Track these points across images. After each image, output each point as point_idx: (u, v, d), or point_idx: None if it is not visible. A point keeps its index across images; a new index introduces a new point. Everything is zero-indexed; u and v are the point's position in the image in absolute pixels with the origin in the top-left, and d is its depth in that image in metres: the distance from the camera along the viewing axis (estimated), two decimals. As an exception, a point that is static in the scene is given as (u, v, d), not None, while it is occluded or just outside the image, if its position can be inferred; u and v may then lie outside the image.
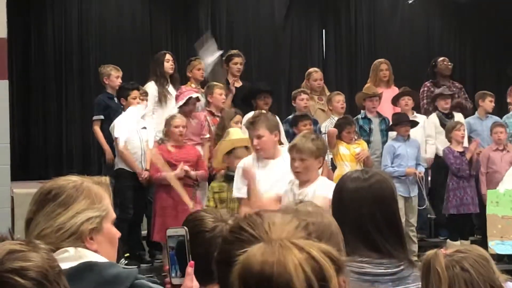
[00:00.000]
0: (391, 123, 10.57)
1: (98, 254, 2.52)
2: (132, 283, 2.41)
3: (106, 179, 2.81)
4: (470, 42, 15.13)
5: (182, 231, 2.73)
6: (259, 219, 1.73)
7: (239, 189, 6.86)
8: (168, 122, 9.07)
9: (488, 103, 11.17)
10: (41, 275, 1.82)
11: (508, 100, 11.46)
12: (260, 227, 1.70)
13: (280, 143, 7.97)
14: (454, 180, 10.36)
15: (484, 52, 14.88)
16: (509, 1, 14.23)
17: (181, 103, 9.54)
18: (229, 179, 7.36)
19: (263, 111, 8.11)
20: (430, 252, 2.78)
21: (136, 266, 8.88)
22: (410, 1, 12.27)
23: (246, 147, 7.37)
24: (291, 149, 6.08)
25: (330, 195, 5.14)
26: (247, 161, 6.92)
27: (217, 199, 7.42)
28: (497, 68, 14.29)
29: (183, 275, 2.71)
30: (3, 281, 1.75)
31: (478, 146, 10.52)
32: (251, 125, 6.91)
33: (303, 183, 5.96)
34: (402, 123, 10.21)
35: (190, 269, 2.69)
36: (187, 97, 9.52)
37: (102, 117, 10.01)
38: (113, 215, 2.66)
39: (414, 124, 10.37)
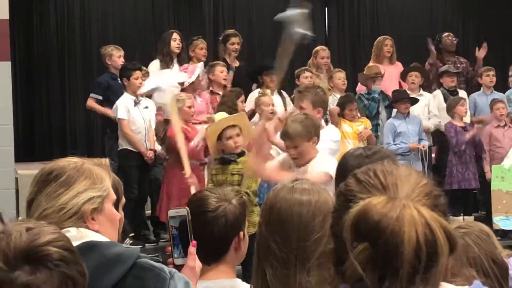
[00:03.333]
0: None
1: (100, 234, 2.53)
2: (134, 262, 2.41)
3: (106, 161, 2.82)
4: (474, 18, 15.08)
5: (183, 211, 2.74)
6: (395, 171, 1.72)
7: None
8: (180, 102, 8.99)
9: (486, 78, 11.13)
10: (68, 244, 1.87)
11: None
12: (392, 180, 1.68)
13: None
14: (456, 155, 10.36)
15: (488, 28, 14.82)
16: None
17: (191, 79, 9.55)
18: (224, 162, 7.31)
19: (316, 86, 7.98)
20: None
21: (141, 246, 8.95)
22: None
23: (234, 126, 7.29)
24: (283, 137, 6.03)
25: (329, 169, 5.19)
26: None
27: (215, 182, 7.39)
28: (501, 44, 14.23)
29: (185, 255, 2.72)
30: (44, 254, 1.79)
31: (481, 130, 10.50)
32: (298, 93, 6.95)
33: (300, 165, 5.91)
34: (401, 100, 10.20)
35: (192, 249, 2.70)
36: (198, 73, 9.56)
37: (100, 97, 10.02)
38: (113, 196, 2.67)
39: (414, 101, 10.35)
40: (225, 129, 7.24)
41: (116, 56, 10.25)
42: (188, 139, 8.60)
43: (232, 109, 8.62)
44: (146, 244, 9.36)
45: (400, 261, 1.56)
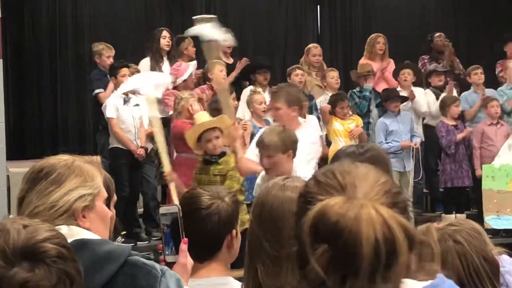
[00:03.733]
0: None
1: (91, 231, 2.53)
2: (125, 259, 2.41)
3: (97, 158, 2.82)
4: (465, 16, 15.09)
5: (175, 208, 2.74)
6: (354, 171, 1.71)
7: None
8: (183, 99, 8.95)
9: (474, 76, 11.15)
10: (64, 242, 1.88)
11: (498, 72, 11.45)
12: (350, 180, 1.68)
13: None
14: (449, 153, 10.38)
15: (479, 27, 14.84)
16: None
17: (184, 77, 9.57)
18: (206, 163, 7.27)
19: (289, 84, 7.95)
20: (423, 226, 2.79)
21: (133, 244, 8.95)
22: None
23: (214, 128, 7.15)
24: (258, 145, 5.99)
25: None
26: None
27: (199, 180, 7.34)
28: (492, 42, 14.25)
29: (177, 252, 2.72)
30: (42, 250, 1.80)
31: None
32: (273, 94, 6.89)
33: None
34: (391, 98, 10.22)
35: (184, 246, 2.70)
36: (190, 73, 9.57)
37: (103, 90, 10.02)
38: (104, 193, 2.66)
39: (404, 99, 10.38)
40: (205, 131, 7.15)
41: (105, 55, 10.28)
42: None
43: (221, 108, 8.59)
44: (138, 242, 9.35)
45: (360, 261, 1.55)
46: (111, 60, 10.23)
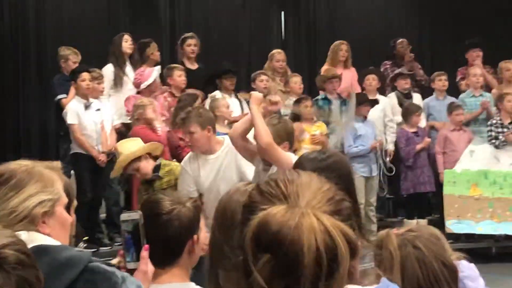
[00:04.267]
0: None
1: (51, 237, 2.51)
2: (86, 265, 2.40)
3: (57, 164, 2.80)
4: (429, 23, 15.19)
5: (136, 215, 2.73)
6: (297, 179, 1.70)
7: (180, 191, 6.62)
8: (141, 106, 8.93)
9: (438, 82, 11.25)
10: (24, 248, 1.87)
11: (465, 81, 11.53)
12: (293, 188, 1.67)
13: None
14: (410, 159, 10.45)
15: (442, 33, 14.96)
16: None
17: (148, 82, 9.55)
18: (148, 183, 7.08)
19: (196, 107, 7.91)
20: (382, 232, 2.80)
21: (95, 250, 8.90)
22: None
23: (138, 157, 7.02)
24: (254, 138, 5.94)
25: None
26: (188, 157, 6.85)
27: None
28: (455, 48, 14.37)
29: (138, 259, 2.71)
30: (1, 257, 1.80)
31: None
32: (182, 121, 6.74)
33: (268, 162, 5.69)
34: (362, 103, 10.28)
35: (144, 253, 2.69)
36: (154, 78, 9.55)
37: (65, 95, 9.95)
38: (65, 199, 2.65)
39: (374, 103, 10.45)
40: (130, 162, 7.01)
41: (72, 61, 10.26)
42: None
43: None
44: (100, 248, 9.31)
45: (301, 270, 1.55)
46: (77, 65, 10.17)
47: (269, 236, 1.57)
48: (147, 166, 6.99)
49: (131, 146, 7.11)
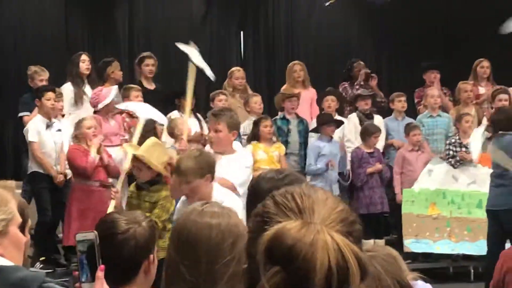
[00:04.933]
0: (309, 124, 10.71)
1: (4, 258, 2.48)
2: (39, 286, 2.37)
3: (12, 183, 2.77)
4: (387, 43, 15.33)
5: (91, 235, 2.70)
6: (313, 195, 1.70)
7: None
8: (79, 124, 8.94)
9: (397, 103, 11.33)
10: None
11: (423, 102, 11.62)
12: (309, 204, 1.67)
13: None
14: (357, 180, 10.50)
15: (400, 54, 15.10)
16: (425, 3, 14.50)
17: (106, 102, 9.49)
18: (138, 188, 7.15)
19: (229, 109, 7.97)
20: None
21: (51, 270, 8.82)
22: (327, 4, 12.38)
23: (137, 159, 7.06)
24: (175, 171, 5.96)
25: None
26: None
27: (129, 204, 7.26)
28: (412, 70, 14.51)
29: (93, 279, 2.68)
30: None
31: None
32: (214, 116, 6.86)
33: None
34: (327, 123, 10.31)
35: (100, 273, 2.66)
36: (112, 97, 9.50)
37: (28, 113, 9.88)
38: (19, 219, 2.62)
39: (340, 123, 10.49)
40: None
41: (37, 79, 10.19)
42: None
43: (149, 134, 8.51)
44: (57, 268, 9.22)
45: (311, 286, 1.55)
46: (44, 83, 10.12)
47: (283, 250, 1.57)
48: (147, 174, 7.02)
49: (159, 157, 7.10)
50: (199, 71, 9.11)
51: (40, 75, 10.21)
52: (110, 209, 6.95)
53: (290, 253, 1.56)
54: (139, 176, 7.07)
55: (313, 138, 10.67)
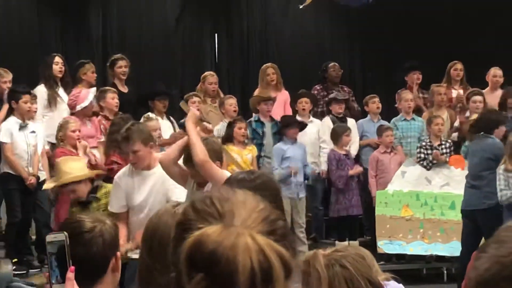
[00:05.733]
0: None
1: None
2: (7, 286, 2.36)
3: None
4: (360, 46, 15.40)
5: (61, 236, 2.69)
6: (232, 198, 1.68)
7: (112, 206, 6.76)
8: (64, 126, 8.90)
9: (372, 105, 11.37)
10: None
11: (397, 104, 11.66)
12: (228, 207, 1.65)
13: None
14: (339, 183, 10.52)
15: (373, 57, 15.16)
16: (398, 7, 14.56)
17: (84, 104, 9.44)
18: (84, 204, 6.97)
19: (137, 122, 7.89)
20: (309, 253, 2.81)
21: (24, 271, 8.78)
22: (300, 6, 12.39)
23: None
24: (185, 163, 5.88)
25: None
26: (122, 172, 6.85)
27: None
28: (386, 72, 14.58)
29: (63, 280, 2.67)
30: None
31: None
32: (125, 140, 6.66)
33: (201, 184, 5.74)
34: (290, 125, 10.31)
35: (70, 274, 2.65)
36: (90, 100, 9.46)
37: None
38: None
39: (303, 126, 10.48)
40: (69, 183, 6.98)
41: (1, 81, 10.09)
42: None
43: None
44: (30, 270, 9.17)
45: None
46: (8, 84, 10.04)
47: (204, 255, 1.55)
48: (84, 189, 6.96)
49: (75, 168, 7.05)
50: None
51: (3, 77, 10.14)
52: None
53: (212, 258, 1.55)
54: (79, 196, 6.96)
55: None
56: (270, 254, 1.56)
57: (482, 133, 9.10)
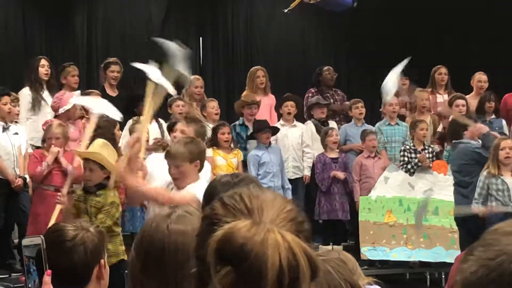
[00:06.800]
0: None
1: None
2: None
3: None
4: (345, 50, 15.43)
5: (38, 240, 2.67)
6: (261, 196, 1.69)
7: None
8: (49, 130, 8.82)
9: (355, 110, 11.36)
10: None
11: (381, 108, 11.68)
12: (258, 204, 1.66)
13: None
14: (322, 185, 10.52)
15: (358, 61, 15.19)
16: (383, 11, 14.59)
17: (67, 107, 9.40)
18: (85, 191, 7.09)
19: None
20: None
21: (7, 276, 8.74)
22: (286, 10, 12.39)
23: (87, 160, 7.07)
24: (166, 156, 6.01)
25: (199, 195, 5.10)
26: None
27: (77, 207, 7.17)
28: (371, 77, 14.60)
29: (40, 285, 2.64)
30: None
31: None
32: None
33: (181, 187, 5.83)
34: (262, 130, 10.27)
35: (47, 278, 2.63)
36: (73, 103, 9.41)
37: None
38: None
39: (275, 130, 10.46)
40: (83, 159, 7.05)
41: None
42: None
43: (110, 140, 8.43)
44: (12, 274, 9.12)
45: (263, 285, 1.53)
46: None
47: (234, 249, 1.55)
48: (99, 177, 7.03)
49: (111, 156, 7.11)
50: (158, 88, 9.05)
51: None
52: (55, 213, 6.92)
53: (241, 252, 1.55)
54: (90, 178, 7.03)
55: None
56: (299, 253, 1.57)
57: (453, 141, 9.11)
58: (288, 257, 1.55)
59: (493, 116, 10.96)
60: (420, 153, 10.44)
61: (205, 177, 6.43)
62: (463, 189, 8.96)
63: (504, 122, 10.99)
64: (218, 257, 1.58)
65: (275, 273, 1.53)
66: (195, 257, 1.70)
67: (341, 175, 10.54)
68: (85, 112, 9.82)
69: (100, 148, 7.15)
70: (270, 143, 10.34)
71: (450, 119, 9.95)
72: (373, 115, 12.24)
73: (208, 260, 1.59)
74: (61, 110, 9.46)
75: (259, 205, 1.67)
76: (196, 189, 5.37)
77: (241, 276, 1.55)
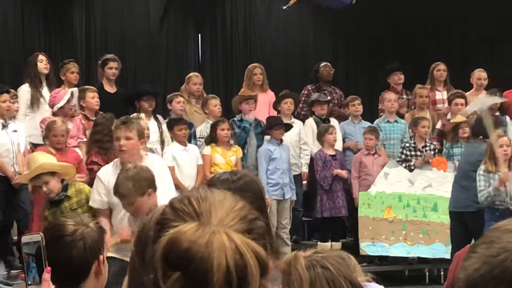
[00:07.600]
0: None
1: None
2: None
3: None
4: (343, 46, 15.42)
5: (37, 237, 2.67)
6: (210, 197, 1.68)
7: (94, 200, 6.74)
8: (49, 127, 8.80)
9: (351, 107, 11.35)
10: None
11: (379, 106, 11.67)
12: (206, 206, 1.65)
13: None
14: (324, 183, 10.50)
15: (356, 58, 15.19)
16: (381, 9, 14.59)
17: (60, 104, 9.38)
18: (54, 204, 6.92)
19: (141, 116, 7.97)
20: (290, 254, 2.79)
21: (6, 272, 8.74)
22: (284, 7, 12.38)
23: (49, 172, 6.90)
24: (115, 195, 5.95)
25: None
26: (105, 169, 6.84)
27: None
28: (369, 74, 14.61)
29: (40, 281, 2.64)
30: None
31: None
32: (123, 124, 6.76)
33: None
34: (276, 126, 10.27)
35: (46, 275, 2.63)
36: (68, 98, 9.39)
37: None
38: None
39: (289, 127, 10.45)
40: (41, 174, 6.88)
41: None
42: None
43: (108, 136, 8.41)
44: (12, 270, 9.13)
45: (211, 287, 1.53)
46: None
47: (179, 253, 1.55)
48: (56, 184, 6.86)
49: (47, 159, 7.01)
50: None
51: None
52: None
53: (187, 256, 1.55)
54: (50, 190, 6.84)
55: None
56: (246, 252, 1.56)
57: (480, 137, 9.06)
58: (235, 258, 1.54)
59: (498, 113, 10.95)
60: (420, 150, 10.42)
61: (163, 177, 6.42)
62: (466, 181, 8.91)
63: (508, 118, 10.99)
64: (165, 262, 1.57)
65: (222, 274, 1.53)
66: (150, 263, 1.68)
67: (344, 173, 10.53)
68: (81, 109, 9.82)
69: (38, 159, 7.02)
70: (282, 140, 10.34)
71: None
72: (369, 112, 12.23)
73: (156, 266, 1.59)
74: (55, 108, 9.47)
75: (207, 207, 1.65)
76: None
77: (189, 280, 1.55)
